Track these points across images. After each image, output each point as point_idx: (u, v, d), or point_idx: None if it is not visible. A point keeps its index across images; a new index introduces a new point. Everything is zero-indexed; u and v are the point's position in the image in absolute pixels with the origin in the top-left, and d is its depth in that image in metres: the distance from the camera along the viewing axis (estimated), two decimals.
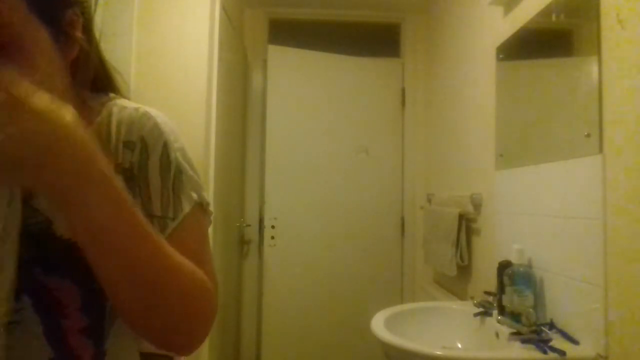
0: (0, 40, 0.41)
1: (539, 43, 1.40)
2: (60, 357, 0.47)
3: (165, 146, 0.53)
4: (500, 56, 1.61)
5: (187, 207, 0.52)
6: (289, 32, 2.75)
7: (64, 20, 0.49)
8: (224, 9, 1.91)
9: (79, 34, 0.50)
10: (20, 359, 0.46)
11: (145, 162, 0.52)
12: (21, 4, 0.43)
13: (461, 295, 1.92)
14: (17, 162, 0.33)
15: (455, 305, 1.65)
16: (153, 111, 0.56)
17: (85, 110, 0.54)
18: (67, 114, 0.36)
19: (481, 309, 1.42)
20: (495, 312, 1.37)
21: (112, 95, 0.58)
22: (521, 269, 1.26)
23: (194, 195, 0.54)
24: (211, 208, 0.58)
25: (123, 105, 0.56)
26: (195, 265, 0.49)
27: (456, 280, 1.95)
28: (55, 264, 0.45)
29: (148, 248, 0.42)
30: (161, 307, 0.44)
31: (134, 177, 0.51)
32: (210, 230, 1.93)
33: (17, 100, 0.33)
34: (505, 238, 1.48)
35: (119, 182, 0.40)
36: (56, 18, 0.48)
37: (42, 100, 0.35)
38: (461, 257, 1.80)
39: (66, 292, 0.46)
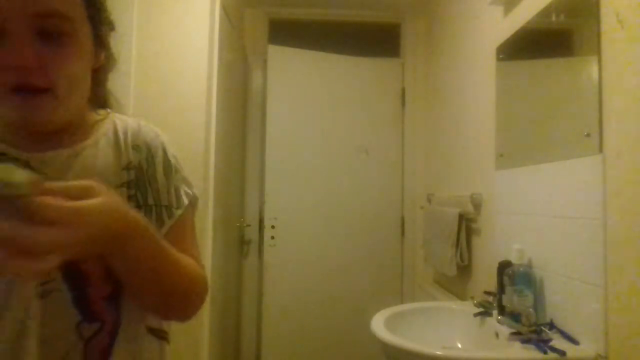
0: (62, 29, 0.52)
1: (539, 43, 1.40)
2: (87, 320, 0.54)
3: (165, 151, 0.66)
4: (500, 56, 1.61)
5: (186, 200, 0.66)
6: (289, 32, 2.75)
7: (102, 31, 0.60)
8: (224, 9, 1.91)
9: (109, 45, 0.63)
10: (52, 323, 0.53)
11: (153, 164, 0.64)
12: (82, 5, 0.55)
13: (461, 295, 1.92)
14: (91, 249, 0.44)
15: (455, 305, 1.65)
16: (149, 124, 0.68)
17: (93, 117, 0.65)
18: (110, 201, 0.45)
19: (481, 309, 1.42)
20: (495, 312, 1.37)
21: (109, 110, 0.68)
22: (521, 269, 1.26)
23: (189, 191, 0.68)
24: (210, 205, 0.67)
25: (122, 118, 0.67)
26: (190, 250, 0.64)
27: (456, 280, 1.95)
28: None
29: (171, 265, 0.55)
30: (176, 299, 0.58)
31: (143, 174, 0.63)
32: (210, 230, 1.91)
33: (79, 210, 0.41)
34: (505, 238, 1.48)
35: (147, 223, 0.51)
36: (99, 27, 0.59)
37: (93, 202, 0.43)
38: (461, 257, 1.80)
39: (90, 264, 0.54)
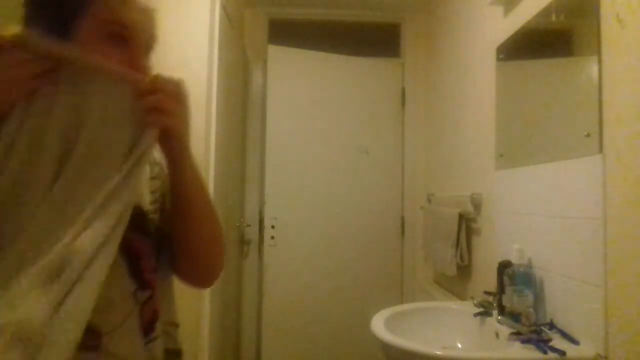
0: (152, 48, 0.68)
1: (539, 43, 1.40)
2: (141, 288, 0.64)
3: None
4: (500, 56, 1.61)
5: None
6: (289, 32, 2.75)
7: None
8: (224, 9, 1.91)
9: None
10: (115, 291, 0.61)
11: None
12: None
13: (461, 295, 1.92)
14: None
15: (455, 305, 1.65)
16: None
17: None
18: None
19: (481, 309, 1.42)
20: (495, 312, 1.37)
21: None
22: (521, 269, 1.26)
23: None
24: None
25: None
26: None
27: (456, 280, 1.95)
28: (135, 224, 0.62)
29: (210, 203, 0.71)
30: (212, 236, 0.72)
31: (162, 169, 0.73)
32: None
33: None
34: (505, 238, 1.48)
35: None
36: None
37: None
38: (461, 257, 1.80)
39: (142, 242, 0.65)
